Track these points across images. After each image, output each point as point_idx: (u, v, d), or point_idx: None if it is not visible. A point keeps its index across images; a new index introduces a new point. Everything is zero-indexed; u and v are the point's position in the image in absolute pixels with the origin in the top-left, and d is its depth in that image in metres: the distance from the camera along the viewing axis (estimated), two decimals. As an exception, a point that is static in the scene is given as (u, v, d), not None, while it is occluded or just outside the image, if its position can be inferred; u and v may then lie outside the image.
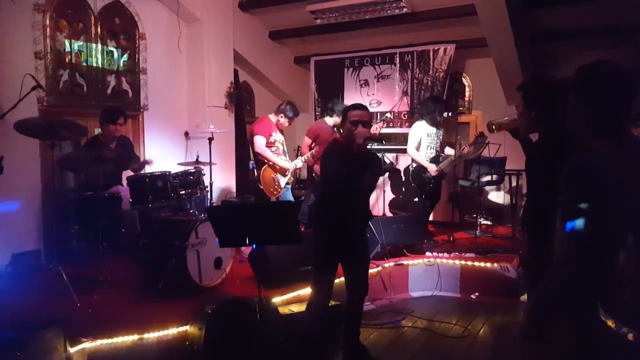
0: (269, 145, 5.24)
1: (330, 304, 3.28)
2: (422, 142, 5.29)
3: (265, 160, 5.22)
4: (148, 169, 4.59)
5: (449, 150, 5.53)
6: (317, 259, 3.14)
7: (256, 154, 5.28)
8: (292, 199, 5.46)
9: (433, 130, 5.30)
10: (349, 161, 2.94)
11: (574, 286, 1.51)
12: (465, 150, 5.30)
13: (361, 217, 3.14)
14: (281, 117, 5.29)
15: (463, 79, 7.10)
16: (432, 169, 5.21)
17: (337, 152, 3.03)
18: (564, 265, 1.53)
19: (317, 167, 5.74)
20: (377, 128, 5.12)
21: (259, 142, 5.18)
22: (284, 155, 5.41)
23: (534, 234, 2.26)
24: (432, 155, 5.31)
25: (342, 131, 3.11)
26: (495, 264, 4.50)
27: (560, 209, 1.51)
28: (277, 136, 5.32)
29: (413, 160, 5.36)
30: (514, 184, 6.07)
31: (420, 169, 5.30)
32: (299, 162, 5.47)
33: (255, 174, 5.30)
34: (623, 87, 1.58)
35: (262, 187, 5.21)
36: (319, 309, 3.13)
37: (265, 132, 5.20)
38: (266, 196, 5.23)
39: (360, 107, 3.06)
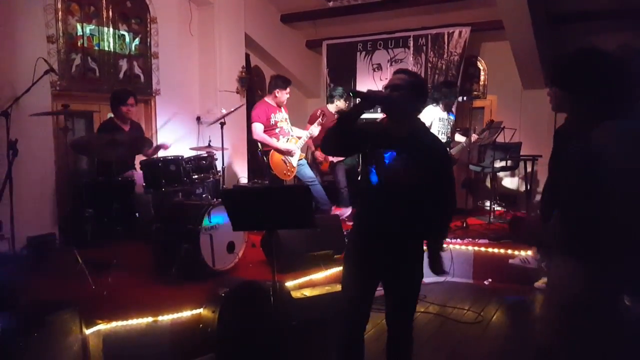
0: (271, 127, 5.08)
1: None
2: (432, 127, 5.22)
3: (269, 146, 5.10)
4: (161, 154, 4.60)
5: (459, 137, 5.45)
6: (345, 277, 2.35)
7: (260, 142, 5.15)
8: (311, 173, 5.28)
9: (445, 115, 5.23)
10: (389, 143, 2.16)
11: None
12: (473, 139, 5.23)
13: (411, 224, 2.18)
14: (277, 92, 5.09)
15: (478, 63, 6.97)
16: None
17: (375, 131, 2.27)
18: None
19: (317, 153, 5.70)
20: None
21: (257, 129, 5.05)
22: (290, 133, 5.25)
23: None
24: (443, 141, 5.24)
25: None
26: (516, 252, 4.41)
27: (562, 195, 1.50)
28: (279, 116, 5.15)
29: None
30: (529, 169, 5.97)
31: None
32: (311, 132, 5.22)
33: (265, 160, 5.17)
34: (607, 73, 1.54)
35: (274, 172, 5.10)
36: (343, 346, 2.34)
37: (262, 117, 5.05)
38: (281, 180, 5.12)
39: (399, 71, 2.25)
